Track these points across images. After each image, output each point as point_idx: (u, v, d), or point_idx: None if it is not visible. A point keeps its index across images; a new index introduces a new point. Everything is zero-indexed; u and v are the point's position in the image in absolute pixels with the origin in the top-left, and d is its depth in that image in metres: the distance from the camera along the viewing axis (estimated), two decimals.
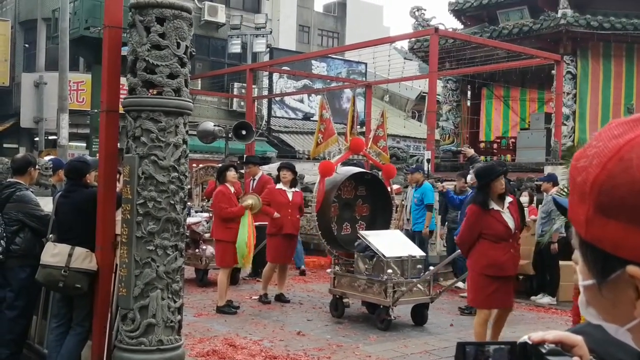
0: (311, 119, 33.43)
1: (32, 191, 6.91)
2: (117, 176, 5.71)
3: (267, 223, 10.62)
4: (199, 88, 26.68)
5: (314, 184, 10.87)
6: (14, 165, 6.88)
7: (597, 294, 0.97)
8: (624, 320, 0.95)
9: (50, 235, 6.22)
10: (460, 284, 11.84)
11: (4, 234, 6.41)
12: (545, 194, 11.21)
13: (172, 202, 5.10)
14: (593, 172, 0.93)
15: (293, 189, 10.70)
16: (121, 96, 5.64)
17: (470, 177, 10.73)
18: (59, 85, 19.71)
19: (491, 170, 7.31)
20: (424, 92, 37.12)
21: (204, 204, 13.68)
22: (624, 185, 0.89)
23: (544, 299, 11.20)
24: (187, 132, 5.26)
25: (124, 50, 5.50)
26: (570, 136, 18.98)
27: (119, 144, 5.73)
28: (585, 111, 19.29)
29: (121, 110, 5.37)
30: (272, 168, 15.60)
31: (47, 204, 6.80)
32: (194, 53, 5.41)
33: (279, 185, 10.68)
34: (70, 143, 20.58)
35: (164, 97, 5.05)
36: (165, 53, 5.05)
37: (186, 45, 5.16)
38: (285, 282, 11.04)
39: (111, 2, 5.56)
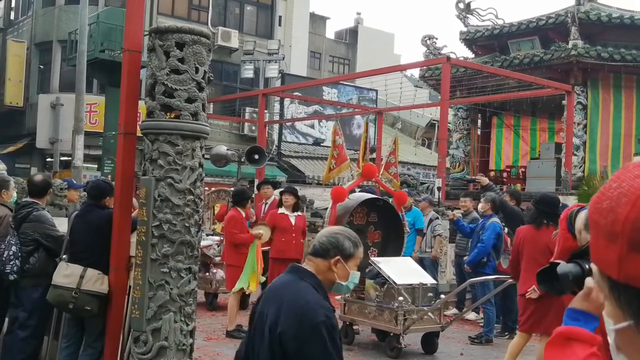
0: (321, 144, 33.52)
1: (48, 211, 6.95)
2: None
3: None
4: (211, 112, 26.81)
5: (325, 209, 10.87)
6: (35, 188, 6.90)
7: (634, 336, 0.95)
8: None
9: (64, 256, 6.26)
10: (472, 315, 11.83)
11: (19, 254, 6.45)
12: None
13: (187, 224, 5.13)
14: (623, 211, 0.91)
15: (295, 213, 10.64)
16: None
17: (481, 206, 10.72)
18: (75, 106, 19.85)
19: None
20: (434, 120, 37.24)
21: (215, 227, 13.70)
22: None
23: None
24: (203, 155, 5.30)
25: (142, 74, 5.57)
26: (581, 166, 18.96)
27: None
28: (595, 142, 19.28)
29: (138, 133, 5.42)
30: None
31: (61, 224, 6.84)
32: (211, 78, 5.47)
33: (282, 210, 10.57)
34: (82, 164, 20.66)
35: (181, 121, 5.09)
36: (184, 77, 5.10)
37: (204, 70, 5.22)
38: None
39: (131, 27, 5.64)
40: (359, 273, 3.42)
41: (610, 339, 1.00)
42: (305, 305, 3.08)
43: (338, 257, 3.26)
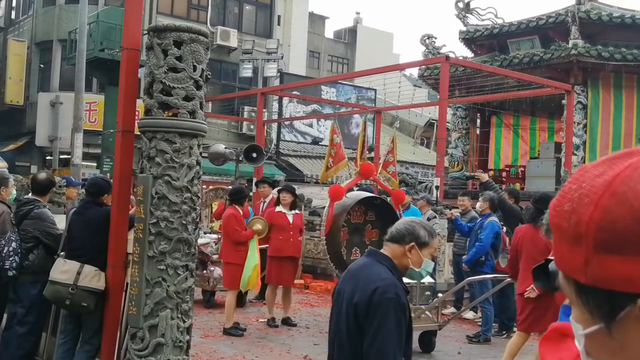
0: (320, 143, 33.53)
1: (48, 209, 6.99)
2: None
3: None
4: (210, 111, 26.83)
5: (322, 207, 10.89)
6: (38, 186, 6.94)
7: (605, 339, 0.93)
8: None
9: (62, 253, 6.28)
10: (470, 314, 11.85)
11: (19, 250, 6.48)
12: None
13: (184, 222, 5.15)
14: (586, 212, 0.90)
15: (293, 212, 10.69)
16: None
17: (479, 205, 10.74)
18: (74, 105, 19.89)
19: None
20: (432, 119, 37.22)
21: (213, 225, 13.72)
22: (624, 217, 0.87)
23: None
24: (200, 153, 5.33)
25: (141, 72, 5.60)
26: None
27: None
28: (595, 141, 19.30)
29: (136, 131, 5.45)
30: None
31: (60, 222, 6.87)
32: (209, 76, 5.49)
33: (279, 208, 10.62)
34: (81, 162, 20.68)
35: (179, 119, 5.12)
36: (182, 76, 5.13)
37: (202, 69, 5.24)
38: (290, 305, 11.04)
39: (130, 25, 5.67)
40: (432, 262, 3.64)
41: (580, 345, 0.98)
42: (380, 281, 3.30)
43: (413, 243, 3.46)
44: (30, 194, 7.11)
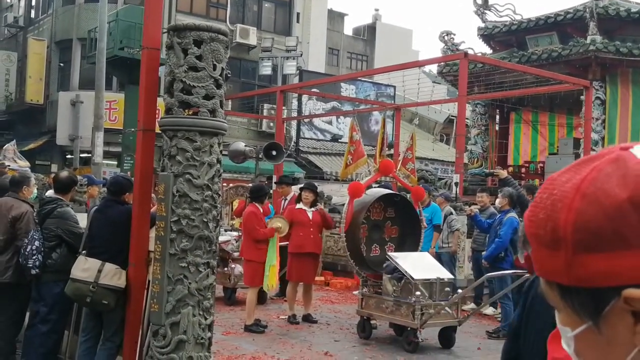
0: (339, 140, 33.54)
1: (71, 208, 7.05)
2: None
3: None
4: (230, 109, 26.93)
5: (342, 205, 10.90)
6: (60, 185, 7.00)
7: (593, 337, 0.95)
8: (622, 356, 0.94)
9: (83, 251, 6.34)
10: (489, 310, 11.84)
11: (42, 249, 6.54)
12: None
13: (205, 220, 5.19)
14: (562, 216, 0.93)
15: (313, 209, 10.76)
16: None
17: (498, 201, 10.72)
18: (95, 104, 20.02)
19: None
20: (452, 116, 37.15)
21: (233, 222, 13.78)
22: (596, 216, 0.91)
23: None
24: (221, 151, 5.36)
25: (161, 71, 5.64)
26: None
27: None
28: (614, 137, 19.17)
29: (157, 130, 5.49)
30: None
31: (81, 220, 6.93)
32: (229, 75, 5.53)
33: (299, 205, 10.71)
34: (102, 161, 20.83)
35: (199, 118, 5.16)
36: (202, 75, 5.16)
37: (222, 67, 5.27)
38: (311, 302, 11.08)
39: (150, 25, 5.71)
40: None
41: (570, 349, 1.00)
42: None
43: None
44: (51, 192, 7.17)
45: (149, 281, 5.62)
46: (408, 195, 10.72)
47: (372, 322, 9.77)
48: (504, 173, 11.36)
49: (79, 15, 29.20)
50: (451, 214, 12.50)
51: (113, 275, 5.91)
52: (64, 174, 7.37)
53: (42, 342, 6.63)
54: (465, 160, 20.39)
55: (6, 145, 16.49)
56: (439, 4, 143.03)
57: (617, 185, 0.92)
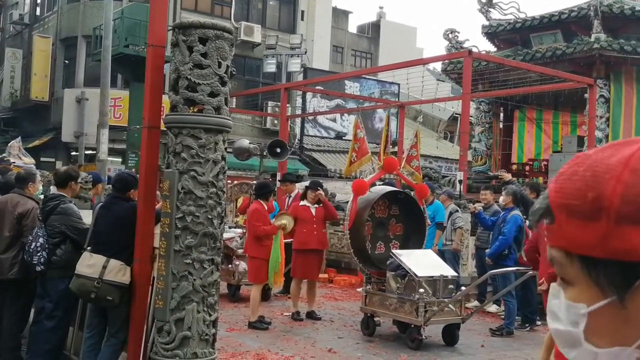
0: (343, 138, 33.54)
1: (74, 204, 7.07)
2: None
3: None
4: (234, 106, 26.96)
5: (346, 202, 10.91)
6: (58, 179, 7.05)
7: (612, 313, 0.95)
8: (637, 335, 0.94)
9: (88, 247, 6.36)
10: (493, 307, 11.85)
11: (46, 245, 6.57)
12: None
13: (210, 216, 5.22)
14: (609, 187, 0.94)
15: (316, 205, 10.78)
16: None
17: (502, 199, 10.73)
18: (100, 101, 20.01)
19: None
20: (456, 114, 37.07)
21: (237, 219, 13.81)
22: None
23: None
24: (225, 149, 5.39)
25: (166, 68, 5.66)
26: None
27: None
28: (618, 135, 19.14)
29: (162, 127, 5.52)
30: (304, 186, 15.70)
31: (86, 217, 6.95)
32: (234, 72, 5.55)
33: (303, 202, 10.76)
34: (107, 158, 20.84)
35: (204, 115, 5.18)
36: (207, 72, 5.19)
37: (227, 65, 5.30)
38: (315, 299, 11.10)
39: (155, 22, 5.73)
40: None
41: (577, 327, 0.99)
42: None
43: None
44: (54, 188, 7.19)
45: (153, 277, 5.64)
46: (412, 193, 10.74)
47: (376, 319, 9.79)
48: (508, 176, 11.39)
49: (84, 12, 29.23)
50: (456, 211, 12.51)
51: (118, 272, 5.93)
52: (62, 168, 7.41)
53: (47, 338, 6.65)
54: (469, 158, 20.38)
55: (11, 142, 16.56)
56: (444, 2, 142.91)
57: None
